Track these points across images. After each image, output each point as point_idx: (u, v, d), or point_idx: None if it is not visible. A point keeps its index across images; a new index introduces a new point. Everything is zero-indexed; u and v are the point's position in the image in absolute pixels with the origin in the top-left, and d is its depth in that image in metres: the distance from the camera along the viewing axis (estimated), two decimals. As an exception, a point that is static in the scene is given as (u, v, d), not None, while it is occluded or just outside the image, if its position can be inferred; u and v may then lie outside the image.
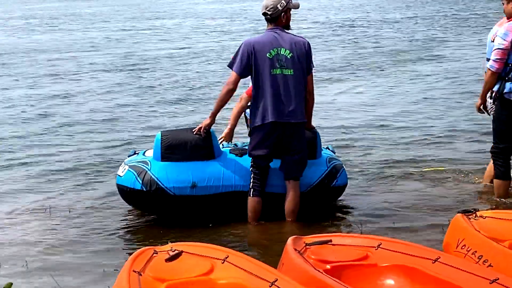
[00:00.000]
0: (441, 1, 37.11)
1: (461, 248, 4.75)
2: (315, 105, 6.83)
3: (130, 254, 4.73)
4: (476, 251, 4.61)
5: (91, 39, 24.47)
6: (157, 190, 6.60)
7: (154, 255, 4.60)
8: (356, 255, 4.67)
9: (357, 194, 7.59)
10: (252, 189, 6.62)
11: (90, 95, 14.28)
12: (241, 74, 6.49)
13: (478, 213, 5.12)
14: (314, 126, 6.96)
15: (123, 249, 6.32)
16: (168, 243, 4.76)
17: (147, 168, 6.68)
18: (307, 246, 4.75)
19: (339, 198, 7.22)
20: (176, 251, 4.58)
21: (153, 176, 6.61)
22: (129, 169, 6.77)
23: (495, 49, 6.71)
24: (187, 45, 22.17)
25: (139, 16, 34.05)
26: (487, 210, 5.80)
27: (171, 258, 4.54)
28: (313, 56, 6.66)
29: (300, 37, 6.64)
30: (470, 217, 5.07)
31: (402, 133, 10.30)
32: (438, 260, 4.43)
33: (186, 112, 12.39)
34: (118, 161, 8.55)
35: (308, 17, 31.26)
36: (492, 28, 7.13)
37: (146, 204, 6.85)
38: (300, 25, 26.02)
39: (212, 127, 6.78)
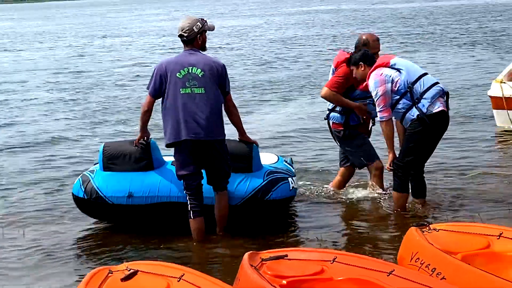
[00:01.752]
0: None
1: (415, 261, 4.80)
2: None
3: (85, 274, 4.68)
4: (429, 264, 4.66)
5: (36, 59, 24.27)
6: (97, 198, 6.88)
7: (110, 274, 4.57)
8: (312, 269, 4.68)
9: (313, 208, 7.61)
10: (191, 211, 6.66)
11: (39, 114, 14.20)
12: (155, 96, 6.62)
13: (431, 226, 5.18)
14: (255, 140, 7.10)
15: (78, 269, 6.25)
16: (123, 262, 4.73)
17: (91, 177, 6.97)
18: (263, 262, 4.76)
19: (299, 212, 7.29)
20: (132, 270, 4.56)
21: (94, 185, 6.90)
22: (80, 177, 7.09)
23: (376, 100, 6.98)
24: (135, 61, 22.23)
25: (89, 34, 33.93)
26: (440, 223, 5.87)
27: (127, 278, 4.52)
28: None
29: (216, 59, 6.74)
30: (423, 230, 5.12)
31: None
32: (393, 273, 4.47)
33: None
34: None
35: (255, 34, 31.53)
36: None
37: (90, 212, 7.10)
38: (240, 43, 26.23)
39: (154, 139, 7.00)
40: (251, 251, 4.87)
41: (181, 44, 6.66)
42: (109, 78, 19.00)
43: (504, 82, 10.82)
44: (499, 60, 19.94)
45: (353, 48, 7.51)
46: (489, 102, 11.31)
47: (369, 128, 7.77)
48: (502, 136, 10.67)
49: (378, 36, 7.60)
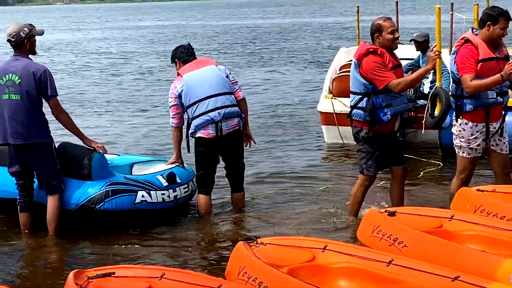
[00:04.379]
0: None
1: (243, 276, 4.82)
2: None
3: None
4: (256, 278, 4.69)
5: None
6: None
7: None
8: (139, 286, 4.62)
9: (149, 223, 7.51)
10: (18, 205, 7.06)
11: None
12: None
13: (259, 240, 5.23)
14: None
15: None
16: None
17: None
18: (89, 280, 4.64)
19: (133, 226, 7.24)
20: None
21: None
22: None
23: (170, 107, 7.59)
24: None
25: None
26: (268, 237, 5.93)
27: None
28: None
29: (37, 64, 6.94)
30: (251, 244, 5.16)
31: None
32: (220, 288, 4.47)
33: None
34: None
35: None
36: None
37: None
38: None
39: None
40: (76, 270, 4.74)
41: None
42: None
43: (335, 98, 10.92)
44: (307, 74, 20.78)
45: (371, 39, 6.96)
46: (314, 117, 11.51)
47: (395, 125, 7.05)
48: (334, 152, 10.86)
49: (388, 17, 7.08)
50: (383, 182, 8.66)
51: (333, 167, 10.11)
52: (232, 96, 7.60)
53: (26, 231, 7.08)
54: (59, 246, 6.86)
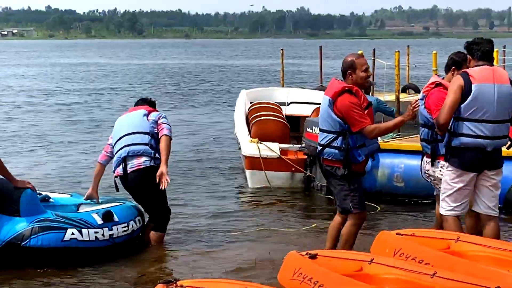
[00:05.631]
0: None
1: (159, 318, 4.74)
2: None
3: None
4: (175, 321, 4.62)
5: None
6: None
7: None
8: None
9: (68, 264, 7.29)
10: None
11: None
12: None
13: (179, 283, 5.15)
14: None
15: None
16: None
17: None
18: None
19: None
20: None
21: None
22: None
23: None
24: None
25: None
26: (188, 279, 5.86)
27: None
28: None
29: None
30: (170, 287, 5.08)
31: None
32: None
33: None
34: None
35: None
36: None
37: None
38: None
39: None
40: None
41: None
42: None
43: (261, 142, 10.71)
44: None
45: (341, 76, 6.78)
46: (235, 159, 11.36)
47: (365, 166, 6.88)
48: (260, 194, 10.68)
49: (360, 54, 6.86)
50: (315, 225, 8.70)
51: (260, 209, 9.98)
52: (146, 136, 7.67)
53: None
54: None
